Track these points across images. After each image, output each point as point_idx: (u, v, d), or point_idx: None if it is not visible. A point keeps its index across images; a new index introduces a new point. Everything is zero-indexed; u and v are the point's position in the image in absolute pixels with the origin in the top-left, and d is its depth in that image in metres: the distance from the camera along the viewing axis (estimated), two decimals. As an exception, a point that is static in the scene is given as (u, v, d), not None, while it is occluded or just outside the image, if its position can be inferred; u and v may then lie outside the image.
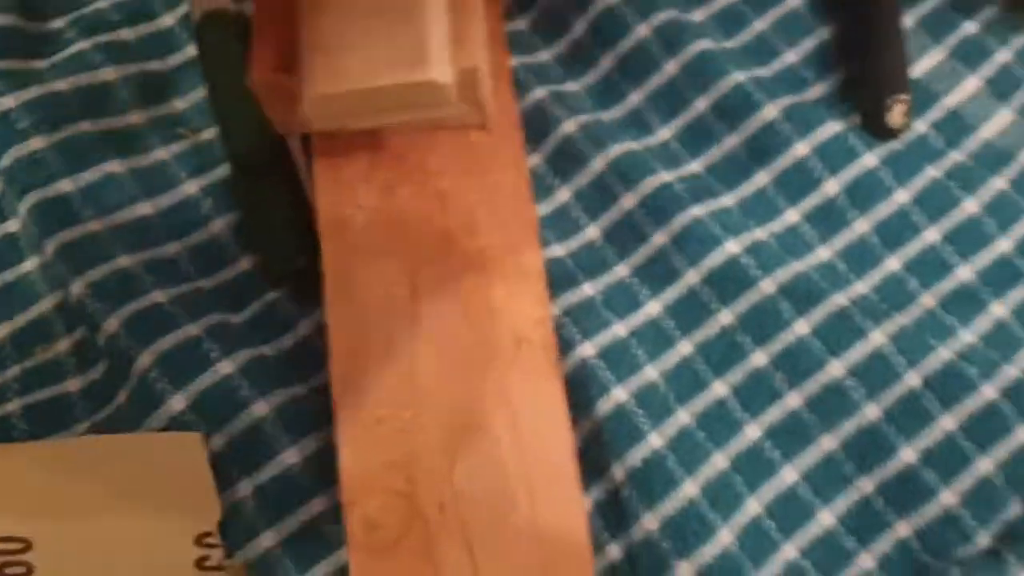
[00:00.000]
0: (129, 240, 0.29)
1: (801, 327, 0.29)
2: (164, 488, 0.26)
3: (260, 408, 0.27)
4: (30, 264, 0.29)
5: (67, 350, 0.28)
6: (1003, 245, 0.30)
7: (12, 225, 0.30)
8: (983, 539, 0.26)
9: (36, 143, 0.29)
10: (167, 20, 0.33)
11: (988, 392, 0.28)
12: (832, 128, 0.31)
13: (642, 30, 0.32)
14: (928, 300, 0.29)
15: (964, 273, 0.30)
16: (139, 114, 0.31)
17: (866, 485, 0.27)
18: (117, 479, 0.26)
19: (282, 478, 0.26)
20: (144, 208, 0.30)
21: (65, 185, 0.29)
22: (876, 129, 0.31)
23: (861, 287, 0.29)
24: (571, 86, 0.32)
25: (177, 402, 0.26)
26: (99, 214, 0.29)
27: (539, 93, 0.31)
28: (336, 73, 0.24)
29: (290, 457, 0.26)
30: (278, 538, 0.26)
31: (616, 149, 0.31)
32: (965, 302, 0.29)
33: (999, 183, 0.30)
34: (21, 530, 0.26)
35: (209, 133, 0.31)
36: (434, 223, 0.28)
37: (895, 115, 0.30)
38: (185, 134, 0.31)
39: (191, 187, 0.31)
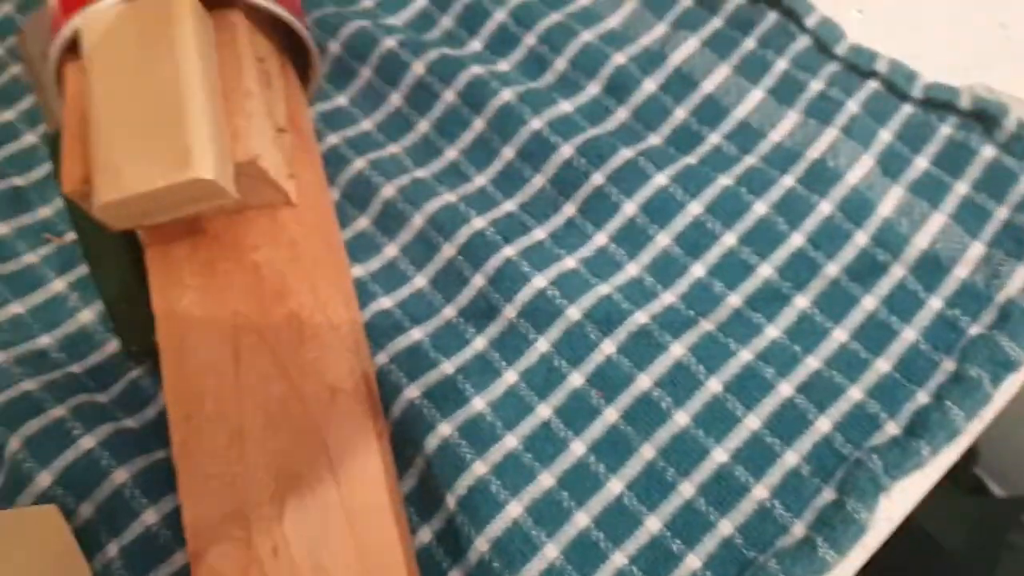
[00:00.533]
0: (1, 339, 0.32)
1: (608, 347, 0.30)
2: (33, 562, 0.28)
3: (120, 476, 0.29)
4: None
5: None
6: (796, 240, 0.31)
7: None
8: (798, 528, 0.28)
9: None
10: (30, 138, 0.37)
11: (785, 390, 0.29)
12: (624, 155, 0.33)
13: (448, 95, 0.35)
14: (734, 300, 0.31)
15: (765, 271, 0.31)
16: (5, 225, 0.35)
17: (687, 488, 0.29)
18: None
19: (144, 537, 0.29)
20: (16, 308, 0.33)
21: (-68, 301, 0.32)
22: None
23: (669, 297, 0.31)
24: (392, 149, 0.35)
25: (43, 479, 0.29)
26: (-33, 321, 0.32)
27: (359, 164, 0.34)
28: (114, 180, 0.26)
29: (150, 518, 0.29)
30: (138, 596, 0.28)
31: (433, 204, 0.33)
32: (770, 298, 0.31)
33: (787, 181, 0.32)
34: None
35: (73, 235, 0.35)
36: (251, 293, 0.30)
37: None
38: (50, 238, 0.34)
39: (59, 284, 0.34)
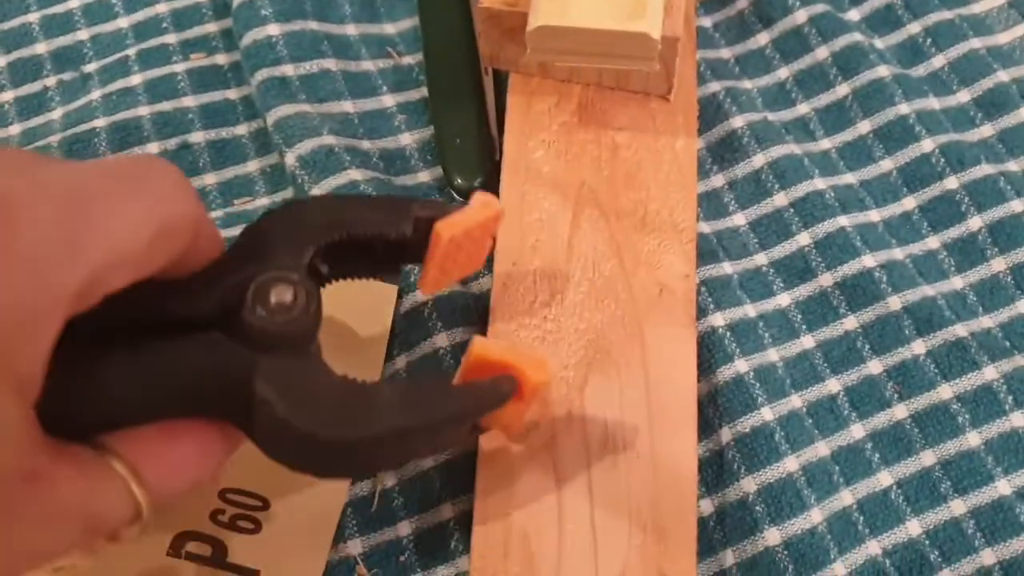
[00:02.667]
0: (333, 127, 0.32)
1: (919, 347, 0.30)
2: (342, 333, 0.29)
3: (422, 295, 0.29)
4: (244, 128, 0.33)
5: (266, 206, 0.32)
6: None
7: (232, 93, 0.33)
8: (1070, 582, 0.27)
9: (272, 29, 0.33)
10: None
11: (1094, 444, 0.28)
12: (984, 170, 0.32)
13: (822, 52, 0.35)
14: (1054, 347, 0.30)
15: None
16: (355, 28, 0.35)
17: (958, 506, 0.28)
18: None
19: (431, 358, 0.29)
20: (347, 105, 0.33)
21: (288, 69, 0.32)
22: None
23: (987, 321, 0.31)
24: (746, 84, 0.35)
25: None
26: (311, 99, 0.32)
27: (714, 87, 0.34)
28: (560, 9, 0.26)
29: (440, 340, 0.29)
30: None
31: (778, 150, 0.33)
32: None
33: None
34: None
35: (410, 59, 0.35)
36: (603, 170, 0.30)
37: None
38: (391, 54, 0.35)
39: (388, 100, 0.34)
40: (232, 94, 0.34)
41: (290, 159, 0.31)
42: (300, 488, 0.28)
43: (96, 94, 0.33)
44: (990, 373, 0.29)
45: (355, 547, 0.28)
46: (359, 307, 0.29)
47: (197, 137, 0.33)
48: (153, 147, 0.32)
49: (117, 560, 0.27)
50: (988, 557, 0.27)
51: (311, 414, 0.19)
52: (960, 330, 0.30)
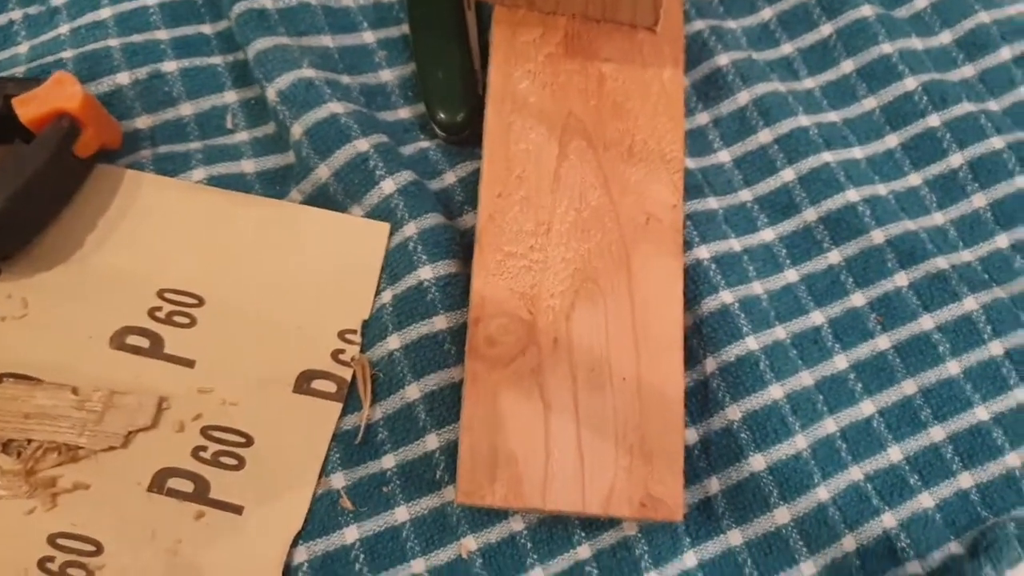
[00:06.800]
0: (313, 60, 0.31)
1: (901, 279, 0.30)
2: (334, 271, 0.29)
3: (410, 229, 0.29)
4: (219, 59, 0.32)
5: (246, 140, 0.31)
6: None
7: (207, 28, 0.33)
8: (1042, 505, 0.28)
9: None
10: None
11: (1070, 373, 0.29)
12: (966, 108, 0.32)
13: (805, -10, 0.35)
14: (1030, 281, 0.31)
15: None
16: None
17: (937, 433, 0.29)
18: (298, 250, 0.29)
19: (415, 290, 0.29)
20: (326, 40, 0.32)
21: (267, 2, 0.32)
22: None
23: (967, 255, 0.31)
24: (730, 24, 0.34)
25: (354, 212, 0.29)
26: (290, 33, 0.31)
27: (698, 25, 0.34)
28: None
29: (425, 273, 0.29)
30: (401, 343, 0.28)
31: (762, 87, 0.33)
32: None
33: None
34: (195, 287, 0.29)
35: (391, -7, 0.34)
36: (589, 100, 0.30)
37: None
38: (371, -10, 0.34)
39: (368, 36, 0.33)
40: (207, 28, 0.33)
41: (271, 93, 0.30)
42: (286, 425, 0.28)
43: (64, 28, 0.32)
44: (970, 304, 0.30)
45: (338, 480, 0.27)
46: (352, 244, 0.29)
47: (170, 66, 0.32)
48: (123, 76, 0.31)
49: (94, 497, 0.27)
50: (965, 480, 0.28)
51: None
52: (941, 263, 0.30)
